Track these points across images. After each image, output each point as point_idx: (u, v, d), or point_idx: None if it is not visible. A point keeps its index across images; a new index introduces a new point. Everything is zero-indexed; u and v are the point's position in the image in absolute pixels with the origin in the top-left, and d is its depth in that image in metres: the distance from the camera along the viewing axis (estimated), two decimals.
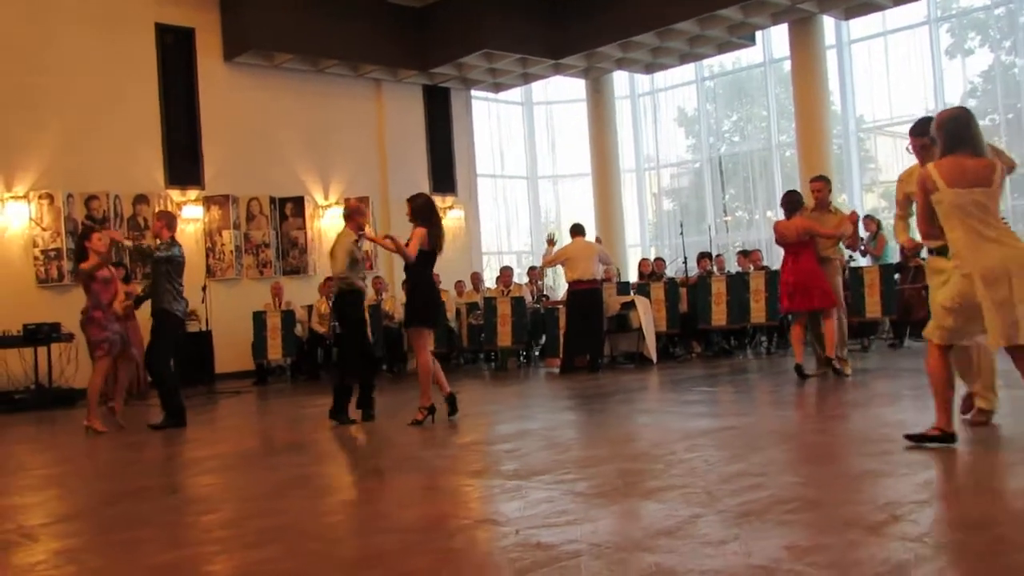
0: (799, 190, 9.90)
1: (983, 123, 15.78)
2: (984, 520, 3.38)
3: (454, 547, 3.61)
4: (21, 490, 5.74)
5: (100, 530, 4.38)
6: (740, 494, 4.11)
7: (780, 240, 8.85)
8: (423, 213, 7.56)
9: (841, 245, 9.04)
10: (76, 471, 6.62)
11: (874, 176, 17.27)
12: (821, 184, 8.91)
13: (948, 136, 4.74)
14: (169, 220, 8.78)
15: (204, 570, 3.51)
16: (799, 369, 8.62)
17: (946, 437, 4.68)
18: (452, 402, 7.47)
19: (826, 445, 5.18)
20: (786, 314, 9.74)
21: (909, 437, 4.83)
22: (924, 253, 5.55)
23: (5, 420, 10.31)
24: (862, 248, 11.68)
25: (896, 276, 11.94)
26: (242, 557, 3.65)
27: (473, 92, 18.06)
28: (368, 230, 7.95)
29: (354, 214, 8.07)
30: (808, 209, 8.86)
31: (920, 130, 5.40)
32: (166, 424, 8.25)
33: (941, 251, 5.04)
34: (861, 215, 13.38)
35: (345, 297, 7.94)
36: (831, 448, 5.08)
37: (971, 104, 15.95)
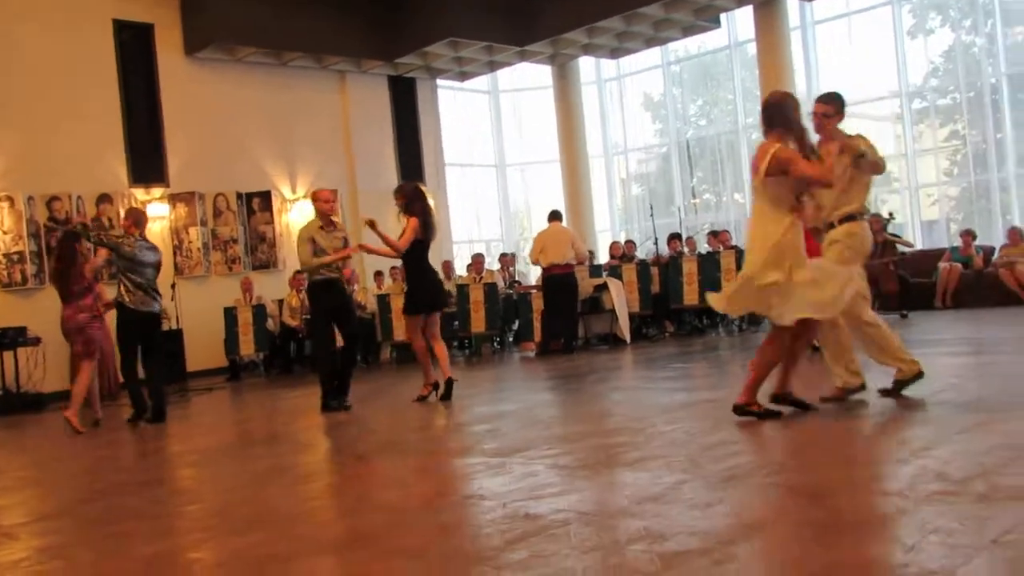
0: None
1: (946, 102, 16.04)
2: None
3: (443, 522, 3.62)
4: None
5: (83, 526, 4.34)
6: (722, 460, 4.15)
7: None
8: (415, 202, 7.78)
9: None
10: (53, 471, 6.54)
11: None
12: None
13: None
14: (137, 217, 8.72)
15: (193, 557, 3.49)
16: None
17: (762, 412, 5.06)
18: (449, 387, 7.75)
19: (801, 413, 5.23)
20: None
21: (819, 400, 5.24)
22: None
23: None
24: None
25: None
26: (230, 543, 3.63)
27: (439, 81, 17.99)
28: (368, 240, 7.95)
29: (319, 202, 7.99)
30: None
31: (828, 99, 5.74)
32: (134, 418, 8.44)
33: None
34: None
35: (311, 290, 8.00)
36: (808, 416, 5.14)
37: (933, 83, 16.17)
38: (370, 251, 7.99)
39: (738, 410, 5.09)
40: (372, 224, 7.70)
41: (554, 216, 12.19)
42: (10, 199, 12.62)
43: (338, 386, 7.84)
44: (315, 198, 8.06)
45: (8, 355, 11.55)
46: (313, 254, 7.66)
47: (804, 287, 4.82)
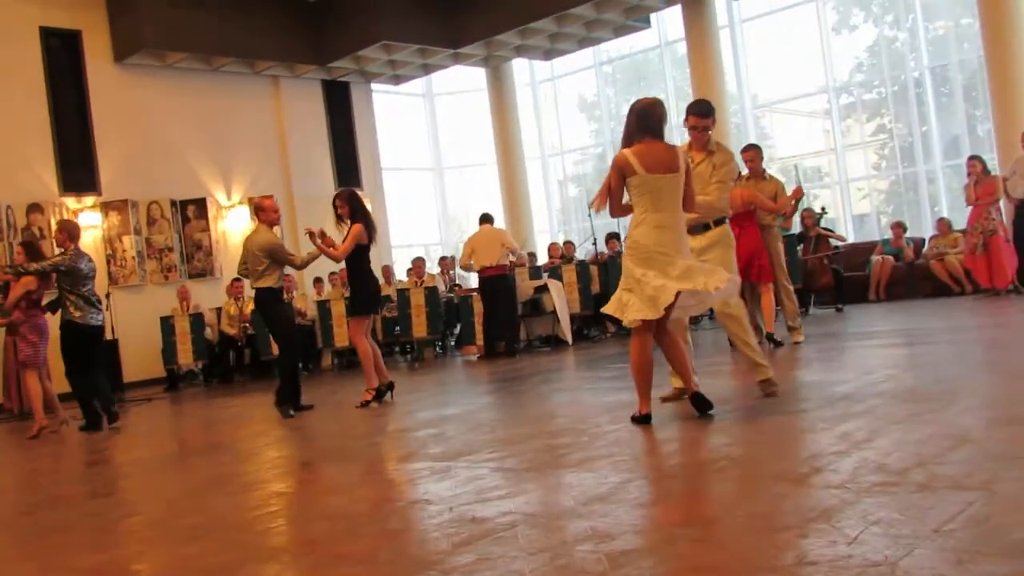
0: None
1: (871, 96, 16.40)
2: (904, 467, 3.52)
3: (390, 528, 3.61)
4: None
5: (20, 539, 4.24)
6: (668, 458, 4.19)
7: None
8: (358, 209, 7.94)
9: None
10: None
11: (771, 153, 17.68)
12: (753, 153, 8.98)
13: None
14: (71, 231, 8.68)
15: (134, 569, 3.43)
16: (771, 337, 8.62)
17: (644, 418, 5.15)
18: (389, 389, 8.04)
19: (743, 408, 5.31)
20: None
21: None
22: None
23: None
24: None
25: (799, 247, 12.29)
26: (172, 554, 3.57)
27: (373, 85, 17.91)
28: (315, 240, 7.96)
29: (266, 212, 8.08)
30: (745, 178, 8.82)
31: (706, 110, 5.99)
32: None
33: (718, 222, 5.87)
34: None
35: (272, 296, 7.99)
36: (749, 410, 5.21)
37: (859, 78, 16.52)
38: (321, 248, 7.99)
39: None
40: (319, 234, 7.84)
41: (484, 219, 12.20)
42: None
43: (293, 391, 7.96)
44: (261, 208, 8.08)
45: None
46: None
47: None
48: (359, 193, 8.50)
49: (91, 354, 8.55)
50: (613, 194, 5.11)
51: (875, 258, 13.56)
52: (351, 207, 7.94)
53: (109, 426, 8.50)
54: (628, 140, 5.13)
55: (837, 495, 3.16)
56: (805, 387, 5.78)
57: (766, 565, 2.56)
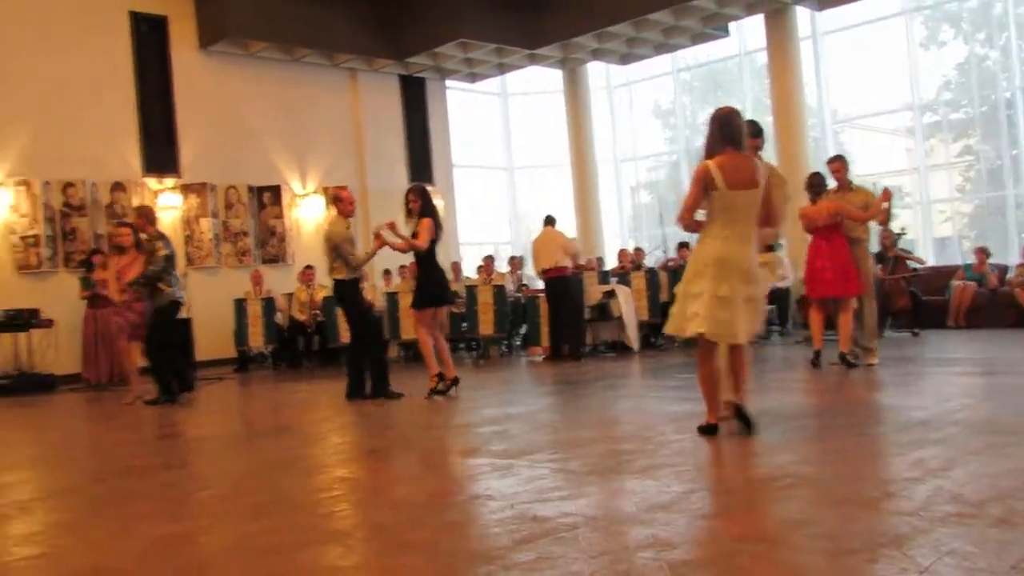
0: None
1: (958, 116, 16.01)
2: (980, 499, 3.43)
3: (451, 520, 3.63)
4: (10, 468, 5.72)
5: (94, 505, 4.37)
6: (733, 472, 4.15)
7: (809, 225, 8.56)
8: (429, 204, 8.09)
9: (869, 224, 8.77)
10: (65, 451, 6.59)
11: (850, 169, 17.34)
12: (839, 164, 8.74)
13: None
14: (150, 215, 9.32)
15: (202, 541, 3.51)
16: (818, 357, 8.32)
17: (711, 428, 5.06)
18: (454, 384, 8.11)
19: (815, 428, 5.23)
20: (818, 299, 8.76)
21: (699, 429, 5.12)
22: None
23: None
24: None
25: (877, 267, 12.03)
26: (238, 530, 3.65)
27: (448, 82, 18.02)
28: (384, 234, 8.11)
29: (343, 203, 8.29)
30: (832, 191, 8.64)
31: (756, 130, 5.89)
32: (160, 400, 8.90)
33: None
34: None
35: (352, 287, 8.20)
36: (821, 431, 5.13)
37: (946, 97, 16.14)
38: (403, 238, 8.16)
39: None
40: (390, 225, 8.06)
41: (547, 221, 12.22)
42: (27, 184, 12.71)
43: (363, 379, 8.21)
44: (339, 198, 8.29)
45: (22, 336, 11.65)
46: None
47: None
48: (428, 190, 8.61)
49: (176, 329, 9.23)
50: (691, 204, 5.02)
51: (956, 283, 13.16)
52: (423, 202, 8.04)
53: (183, 398, 8.96)
54: (710, 150, 5.04)
55: (909, 522, 3.10)
56: (879, 411, 5.68)
57: None
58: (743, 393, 5.10)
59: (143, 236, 9.17)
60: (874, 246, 12.55)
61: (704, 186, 4.95)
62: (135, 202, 13.54)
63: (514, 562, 2.90)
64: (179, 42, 14.39)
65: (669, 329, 5.26)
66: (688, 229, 5.16)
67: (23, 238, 12.68)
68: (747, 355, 5.16)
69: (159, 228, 9.38)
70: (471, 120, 19.52)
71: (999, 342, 10.42)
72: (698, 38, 16.59)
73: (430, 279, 8.11)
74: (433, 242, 8.02)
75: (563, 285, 11.78)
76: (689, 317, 5.00)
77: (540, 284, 14.01)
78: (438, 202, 17.09)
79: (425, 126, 17.43)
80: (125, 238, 9.40)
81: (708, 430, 5.07)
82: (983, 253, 13.35)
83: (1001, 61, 15.31)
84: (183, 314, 12.48)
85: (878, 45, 16.26)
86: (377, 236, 8.06)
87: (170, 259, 8.96)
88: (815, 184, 8.70)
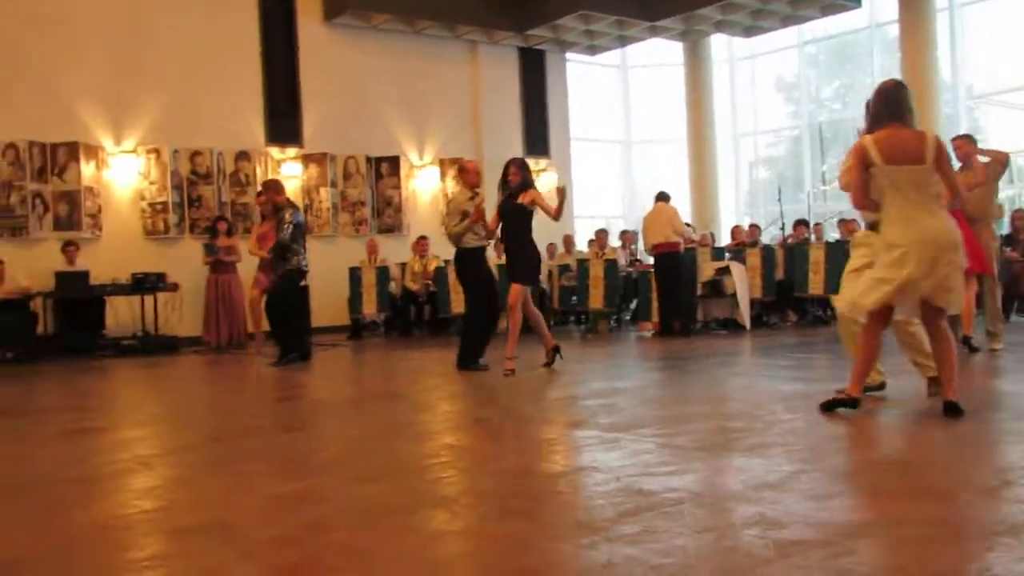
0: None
1: None
2: None
3: (556, 490, 3.66)
4: (134, 425, 6.00)
5: (212, 461, 4.56)
6: (844, 453, 4.07)
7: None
8: (530, 176, 8.01)
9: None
10: (186, 410, 6.88)
11: (984, 147, 16.63)
12: (960, 142, 8.42)
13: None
14: (279, 188, 9.82)
15: (316, 501, 3.62)
16: (967, 341, 7.93)
17: (853, 402, 4.91)
18: (556, 352, 8.09)
19: (930, 411, 5.07)
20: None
21: (822, 406, 4.99)
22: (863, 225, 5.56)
23: (114, 364, 10.74)
24: None
25: (1007, 249, 11.57)
26: (351, 491, 3.75)
27: (568, 54, 17.93)
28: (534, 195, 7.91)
29: (468, 173, 8.34)
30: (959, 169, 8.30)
31: None
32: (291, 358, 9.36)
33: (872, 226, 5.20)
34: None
35: (461, 258, 8.22)
36: (938, 416, 4.97)
37: None
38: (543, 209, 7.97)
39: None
40: (562, 191, 7.80)
41: (660, 197, 11.97)
42: (156, 151, 13.22)
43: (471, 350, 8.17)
44: (464, 169, 8.38)
45: (148, 299, 12.15)
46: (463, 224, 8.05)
47: None
48: None
49: (303, 296, 9.71)
50: (857, 184, 4.82)
51: None
52: (523, 175, 7.92)
53: (303, 363, 9.34)
54: (872, 125, 4.85)
55: None
56: (1000, 397, 5.47)
57: (946, 571, 2.46)
58: (952, 385, 4.81)
59: (277, 205, 9.57)
60: (1005, 227, 12.05)
61: (862, 163, 4.76)
62: (259, 171, 13.97)
63: (618, 534, 2.91)
64: (304, 15, 14.73)
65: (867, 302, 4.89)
66: (866, 209, 4.94)
67: (152, 204, 13.24)
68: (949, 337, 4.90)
69: (289, 199, 9.87)
70: (590, 93, 19.40)
71: None
72: (828, 9, 16.06)
73: (532, 254, 7.99)
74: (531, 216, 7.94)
75: (673, 261, 11.65)
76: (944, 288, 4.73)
77: (651, 260, 13.91)
78: (551, 175, 17.18)
79: (543, 99, 17.42)
80: (264, 206, 9.92)
81: (849, 404, 4.92)
82: None
83: None
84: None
85: (1018, 18, 15.47)
86: (477, 209, 7.92)
87: (299, 227, 9.31)
88: None
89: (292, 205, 9.57)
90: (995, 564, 2.49)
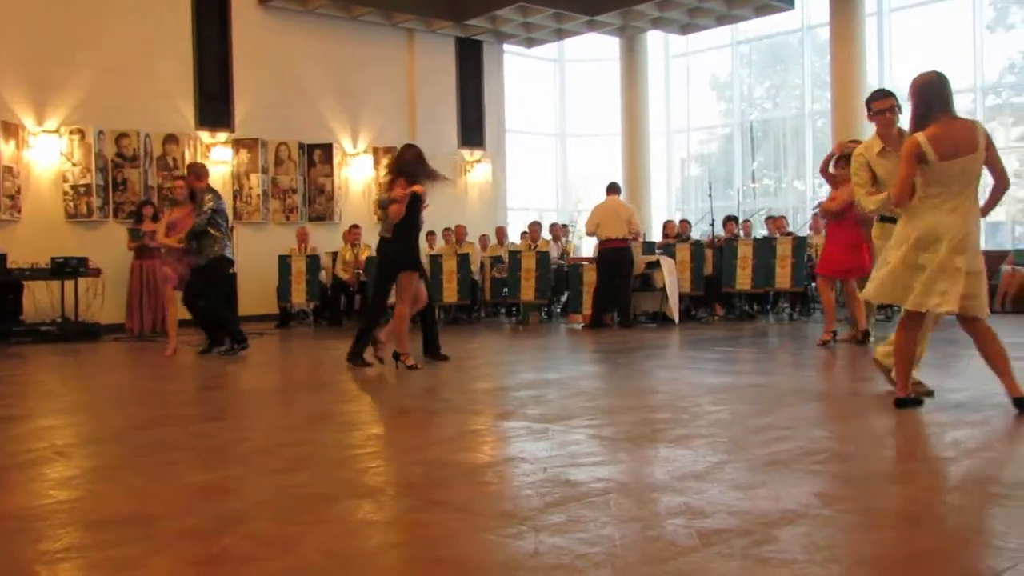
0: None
1: (1021, 99, 15.61)
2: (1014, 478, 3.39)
3: (484, 480, 3.65)
4: (51, 413, 5.83)
5: (133, 452, 4.45)
6: (767, 445, 4.12)
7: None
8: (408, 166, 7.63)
9: None
10: (105, 398, 6.71)
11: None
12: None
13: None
14: (201, 172, 9.44)
15: (237, 491, 3.56)
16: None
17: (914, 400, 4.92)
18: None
19: (852, 403, 5.18)
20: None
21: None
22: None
23: (32, 350, 10.44)
24: None
25: None
26: (273, 481, 3.70)
27: (505, 46, 17.91)
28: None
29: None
30: None
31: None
32: (234, 349, 9.13)
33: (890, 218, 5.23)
34: None
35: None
36: (858, 407, 5.08)
37: (1009, 80, 15.74)
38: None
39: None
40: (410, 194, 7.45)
41: (612, 188, 12.05)
42: (81, 132, 12.88)
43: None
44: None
45: (69, 284, 11.83)
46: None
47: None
48: None
49: (229, 285, 9.33)
50: (907, 181, 4.68)
51: (1005, 268, 13.00)
52: (398, 165, 7.62)
53: (236, 352, 9.09)
54: (919, 122, 4.73)
55: (942, 500, 3.06)
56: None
57: (860, 562, 2.50)
58: (1011, 378, 4.77)
59: (197, 191, 9.24)
60: None
61: (918, 160, 4.65)
62: (187, 155, 13.70)
63: (544, 524, 2.91)
64: None
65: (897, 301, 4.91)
66: (901, 204, 4.78)
67: (74, 187, 12.89)
68: (990, 335, 4.86)
69: (209, 184, 9.47)
70: (526, 85, 19.41)
71: None
72: (762, 10, 16.31)
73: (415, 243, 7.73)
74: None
75: (621, 256, 11.70)
76: (938, 292, 4.65)
77: (585, 252, 13.99)
78: (484, 166, 17.16)
79: (479, 89, 17.37)
80: (179, 191, 9.52)
81: (901, 403, 4.88)
82: None
83: None
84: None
85: (944, 25, 15.88)
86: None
87: (220, 214, 9.04)
88: None
89: (212, 191, 9.23)
90: (915, 553, 2.54)
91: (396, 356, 7.41)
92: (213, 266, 9.03)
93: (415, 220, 7.55)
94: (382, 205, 7.88)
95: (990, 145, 4.71)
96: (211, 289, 9.11)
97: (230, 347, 9.14)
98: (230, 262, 9.29)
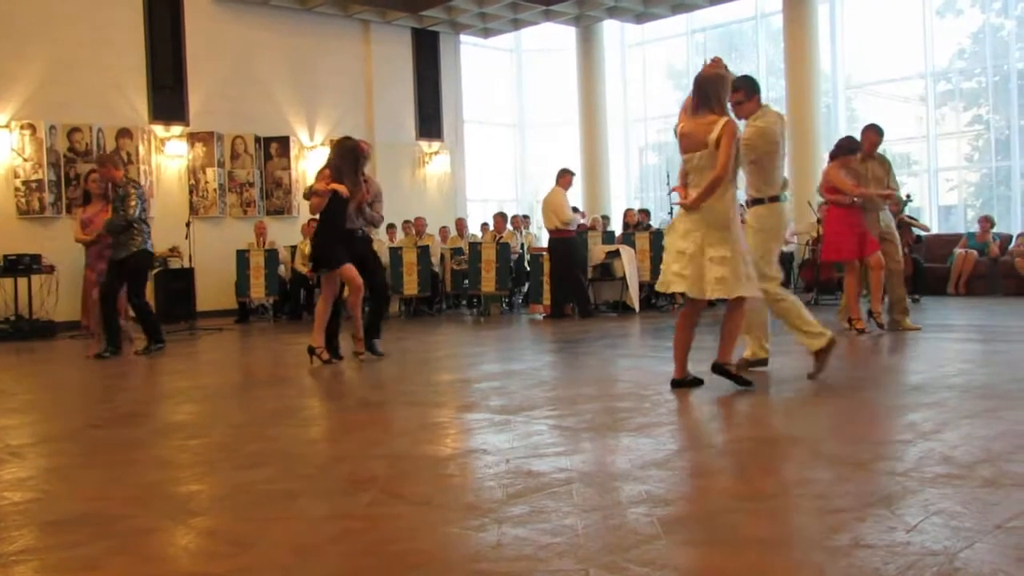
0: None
1: (971, 85, 15.86)
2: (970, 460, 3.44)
3: (446, 473, 3.64)
4: (5, 413, 5.73)
5: (88, 451, 4.39)
6: (729, 431, 4.17)
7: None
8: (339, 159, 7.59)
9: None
10: (59, 397, 6.61)
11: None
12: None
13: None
14: (117, 161, 9.06)
15: (194, 488, 3.52)
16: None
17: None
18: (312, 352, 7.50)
19: (810, 390, 5.24)
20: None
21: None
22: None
23: None
24: None
25: None
26: (232, 478, 3.67)
27: (462, 36, 17.86)
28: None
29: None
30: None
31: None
32: (151, 348, 8.80)
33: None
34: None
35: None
36: (816, 393, 5.14)
37: (959, 65, 15.96)
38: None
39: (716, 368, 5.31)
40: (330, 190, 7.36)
41: (558, 175, 12.04)
42: (32, 127, 12.66)
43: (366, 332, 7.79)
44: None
45: (22, 282, 11.65)
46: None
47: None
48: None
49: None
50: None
51: (958, 251, 13.21)
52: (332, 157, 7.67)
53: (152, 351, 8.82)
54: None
55: (899, 483, 3.11)
56: (875, 374, 5.68)
57: (820, 543, 2.53)
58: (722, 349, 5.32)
59: (116, 183, 8.79)
60: None
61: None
62: (141, 149, 13.52)
63: (507, 515, 2.91)
64: None
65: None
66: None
67: (26, 182, 12.67)
68: (740, 315, 5.31)
69: (127, 174, 9.11)
70: (483, 76, 19.36)
71: (997, 310, 10.45)
72: None
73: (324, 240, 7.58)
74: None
75: (566, 245, 11.75)
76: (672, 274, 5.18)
77: (544, 242, 14.01)
78: (443, 158, 17.11)
79: (436, 80, 17.30)
80: (94, 184, 9.26)
81: (674, 383, 5.31)
82: (987, 222, 13.37)
83: (1016, 31, 15.15)
84: (182, 264, 12.61)
85: (895, 12, 16.08)
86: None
87: (141, 204, 8.67)
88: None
89: (133, 182, 8.86)
90: (867, 534, 2.58)
91: (310, 350, 7.39)
92: (138, 260, 8.71)
93: (334, 217, 7.36)
94: (305, 195, 7.78)
95: (725, 142, 4.97)
96: (136, 284, 8.80)
97: (146, 346, 8.85)
98: (152, 256, 9.03)
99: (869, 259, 8.17)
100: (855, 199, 8.13)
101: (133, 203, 8.56)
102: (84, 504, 3.32)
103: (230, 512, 3.14)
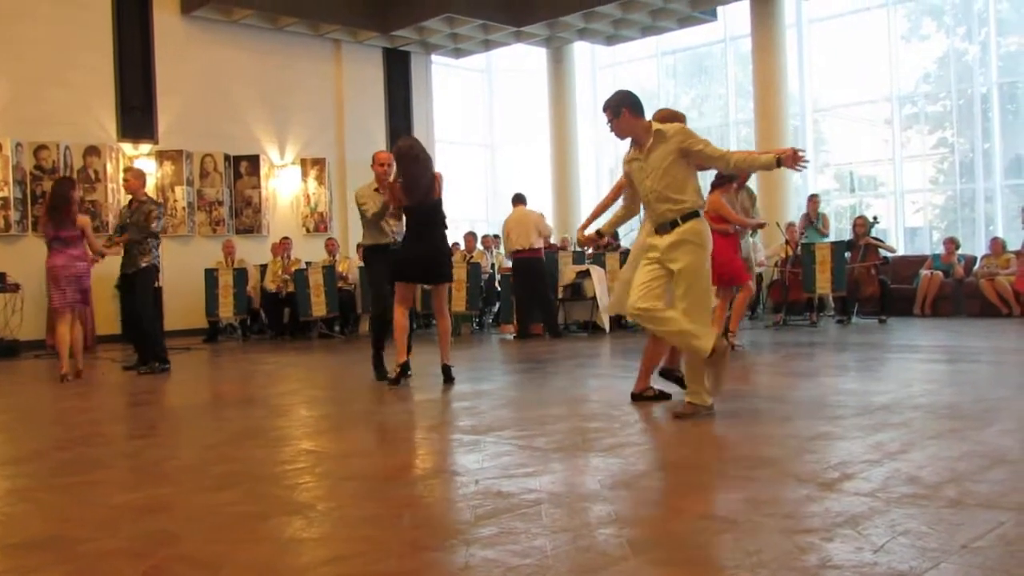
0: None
1: (936, 108, 16.10)
2: (937, 481, 3.48)
3: (415, 494, 3.64)
4: None
5: (54, 472, 4.33)
6: (698, 453, 4.18)
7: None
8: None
9: None
10: (27, 418, 6.52)
11: (827, 158, 17.48)
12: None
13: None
14: (142, 177, 9.18)
15: (164, 510, 3.49)
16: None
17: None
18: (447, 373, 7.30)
19: (779, 411, 5.28)
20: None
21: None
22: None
23: None
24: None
25: (847, 254, 12.18)
26: (202, 499, 3.64)
27: (434, 57, 17.90)
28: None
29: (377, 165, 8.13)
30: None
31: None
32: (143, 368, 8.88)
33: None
34: (812, 194, 13.70)
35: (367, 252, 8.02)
36: (785, 413, 5.18)
37: (924, 89, 16.22)
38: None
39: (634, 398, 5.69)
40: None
41: (517, 200, 12.07)
42: None
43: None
44: (376, 161, 7.97)
45: None
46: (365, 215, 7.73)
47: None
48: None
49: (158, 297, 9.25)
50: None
51: (924, 272, 13.38)
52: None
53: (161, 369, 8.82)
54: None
55: (866, 503, 3.14)
56: (842, 395, 5.74)
57: (789, 564, 2.55)
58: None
59: (139, 197, 8.83)
60: (847, 234, 12.68)
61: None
62: (109, 167, 13.41)
63: (475, 537, 2.91)
64: (161, 5, 14.21)
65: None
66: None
67: None
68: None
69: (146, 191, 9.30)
70: (455, 96, 19.40)
71: (962, 330, 10.57)
72: (685, 21, 16.58)
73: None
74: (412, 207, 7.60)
75: (533, 265, 11.77)
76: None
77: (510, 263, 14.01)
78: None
79: (408, 100, 17.32)
80: (133, 182, 9.04)
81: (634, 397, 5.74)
82: (952, 244, 13.56)
83: (979, 56, 15.42)
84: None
85: (861, 36, 16.33)
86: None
87: (159, 226, 8.87)
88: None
89: (153, 200, 9.09)
90: (834, 554, 2.60)
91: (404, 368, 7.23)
92: (147, 275, 8.76)
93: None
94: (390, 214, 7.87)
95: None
96: (143, 299, 8.78)
97: (150, 367, 8.79)
98: (158, 270, 9.06)
99: (749, 283, 8.90)
100: (736, 228, 8.58)
101: (155, 219, 8.65)
102: (49, 526, 3.28)
103: (199, 534, 3.12)
